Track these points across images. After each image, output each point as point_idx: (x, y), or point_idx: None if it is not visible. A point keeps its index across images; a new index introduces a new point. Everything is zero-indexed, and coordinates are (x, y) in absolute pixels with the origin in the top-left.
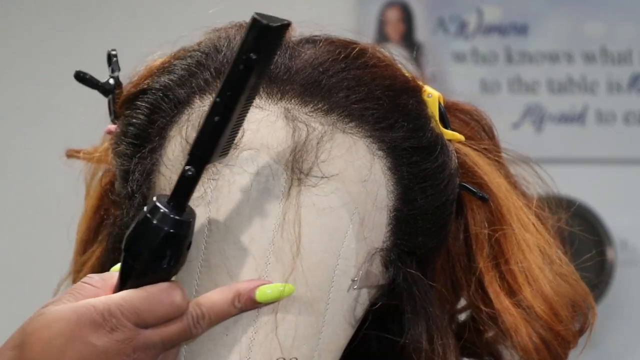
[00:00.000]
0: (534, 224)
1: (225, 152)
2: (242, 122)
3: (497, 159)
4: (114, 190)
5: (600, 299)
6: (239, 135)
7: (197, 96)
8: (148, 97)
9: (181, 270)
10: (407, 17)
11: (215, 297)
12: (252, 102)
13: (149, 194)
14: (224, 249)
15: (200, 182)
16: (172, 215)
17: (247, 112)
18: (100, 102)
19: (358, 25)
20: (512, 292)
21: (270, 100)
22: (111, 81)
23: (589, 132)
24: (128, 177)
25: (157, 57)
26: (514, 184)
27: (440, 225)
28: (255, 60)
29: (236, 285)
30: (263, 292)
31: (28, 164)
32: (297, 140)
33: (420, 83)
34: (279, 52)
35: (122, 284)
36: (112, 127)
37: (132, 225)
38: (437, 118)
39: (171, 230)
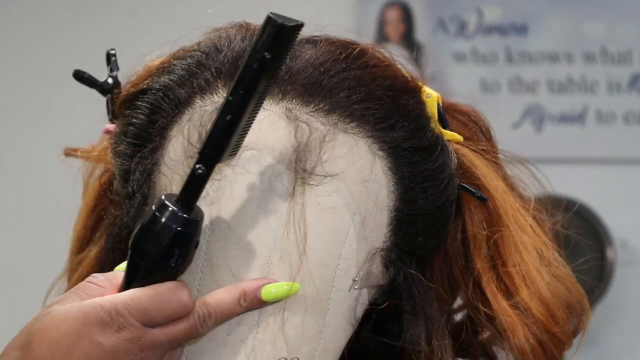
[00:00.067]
0: (531, 226)
1: (234, 152)
2: (251, 123)
3: (494, 160)
4: (112, 189)
5: (600, 299)
6: None
7: (198, 96)
8: (148, 97)
9: None
10: (407, 17)
11: (221, 296)
12: (262, 102)
13: (150, 194)
14: (227, 249)
15: None
16: (181, 214)
17: (257, 113)
18: (99, 102)
19: (358, 25)
20: (509, 293)
21: (271, 100)
22: (110, 80)
23: (589, 132)
24: (128, 177)
25: (155, 57)
26: (511, 186)
27: (441, 225)
28: (269, 59)
29: (242, 285)
30: (268, 291)
31: (28, 164)
32: (300, 140)
33: (420, 83)
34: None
35: (128, 283)
36: (111, 126)
37: (140, 224)
38: (436, 118)
39: (180, 229)
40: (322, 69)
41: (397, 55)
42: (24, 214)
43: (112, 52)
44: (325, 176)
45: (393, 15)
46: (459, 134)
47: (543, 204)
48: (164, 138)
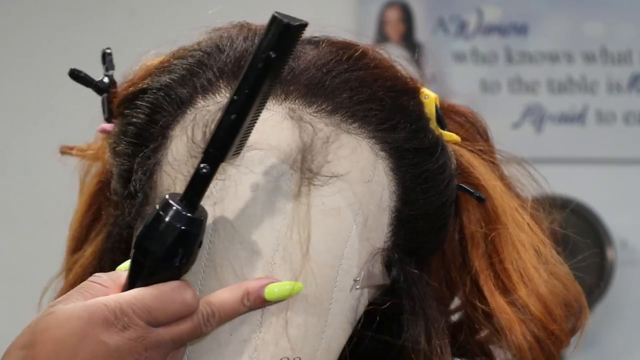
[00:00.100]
0: (528, 224)
1: (238, 152)
2: (255, 122)
3: (492, 160)
4: (108, 189)
5: (600, 299)
6: None
7: (200, 96)
8: (148, 97)
9: None
10: (407, 17)
11: (224, 295)
12: (266, 102)
13: (151, 193)
14: (230, 249)
15: None
16: (185, 213)
17: (260, 112)
18: (98, 101)
19: (358, 25)
20: (506, 291)
21: (274, 101)
22: (105, 80)
23: (589, 132)
24: (128, 177)
25: (151, 56)
26: (508, 185)
27: (441, 225)
28: (275, 59)
29: (245, 284)
30: (272, 291)
31: (29, 164)
32: (305, 140)
33: (418, 84)
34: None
35: (132, 282)
36: (107, 125)
37: (144, 223)
38: (435, 119)
39: (184, 228)
40: (324, 70)
41: (397, 56)
42: (22, 213)
43: (108, 51)
44: (331, 177)
45: (393, 15)
46: (456, 134)
47: (540, 203)
48: (166, 137)
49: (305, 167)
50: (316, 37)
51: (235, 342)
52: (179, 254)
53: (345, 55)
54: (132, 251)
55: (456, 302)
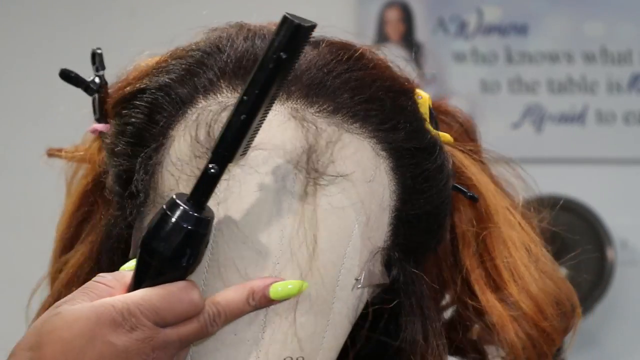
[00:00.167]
0: (519, 223)
1: (244, 152)
2: (262, 123)
3: (480, 160)
4: (101, 189)
5: (600, 299)
6: None
7: (201, 96)
8: (147, 97)
9: None
10: (407, 17)
11: (230, 295)
12: (273, 103)
13: (151, 193)
14: (234, 249)
15: None
16: (193, 213)
17: (267, 114)
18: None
19: (358, 25)
20: (497, 288)
21: (276, 100)
22: (97, 80)
23: (589, 132)
24: (127, 176)
25: (145, 56)
26: (497, 184)
27: (439, 224)
28: (285, 59)
29: (250, 283)
30: (277, 290)
31: (30, 163)
32: (309, 140)
33: (413, 85)
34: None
35: (138, 282)
36: (99, 125)
37: (151, 223)
38: (429, 120)
39: (193, 228)
40: (325, 70)
41: (393, 56)
42: (24, 214)
43: (99, 51)
44: (337, 176)
45: (393, 15)
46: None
47: (530, 202)
48: (167, 137)
49: (310, 167)
50: (314, 37)
51: (240, 342)
52: (186, 254)
53: (345, 55)
54: (138, 251)
55: (445, 299)
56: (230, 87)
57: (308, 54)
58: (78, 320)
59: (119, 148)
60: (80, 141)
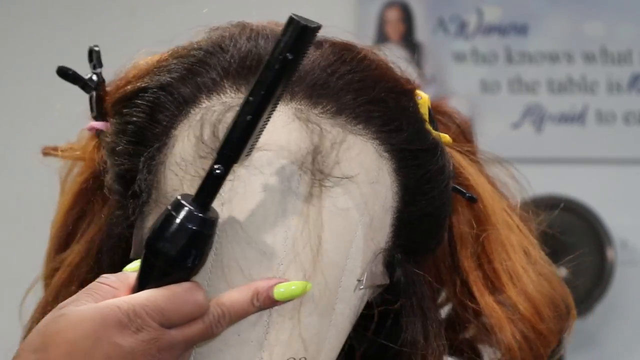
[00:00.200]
0: (517, 225)
1: (249, 153)
2: (267, 124)
3: (477, 161)
4: (98, 188)
5: (600, 299)
6: None
7: (204, 95)
8: (149, 96)
9: None
10: (407, 17)
11: (234, 296)
12: (277, 104)
13: (153, 193)
14: (238, 250)
15: None
16: (198, 214)
17: (272, 114)
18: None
19: (358, 25)
20: (495, 290)
21: (280, 102)
22: (94, 77)
23: (589, 132)
24: (128, 176)
25: (143, 55)
26: (494, 186)
27: (440, 225)
28: (291, 60)
29: (254, 284)
30: (280, 291)
31: (30, 163)
32: (314, 141)
33: (414, 86)
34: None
35: (143, 283)
36: (96, 123)
37: (155, 224)
38: (428, 120)
39: (198, 229)
40: (328, 71)
41: (394, 56)
42: (24, 214)
43: (96, 49)
44: (342, 178)
45: (393, 15)
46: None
47: (527, 204)
48: (169, 137)
49: (315, 169)
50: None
51: (243, 343)
52: (191, 255)
53: (347, 56)
54: (143, 252)
55: (441, 296)
56: (234, 88)
57: (311, 55)
58: (83, 322)
59: (120, 147)
60: (76, 139)
